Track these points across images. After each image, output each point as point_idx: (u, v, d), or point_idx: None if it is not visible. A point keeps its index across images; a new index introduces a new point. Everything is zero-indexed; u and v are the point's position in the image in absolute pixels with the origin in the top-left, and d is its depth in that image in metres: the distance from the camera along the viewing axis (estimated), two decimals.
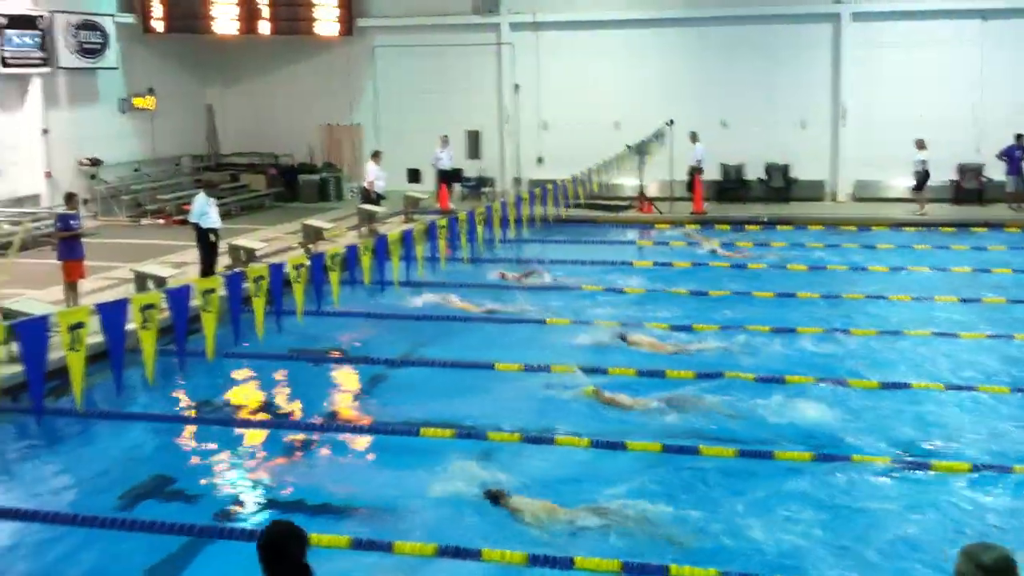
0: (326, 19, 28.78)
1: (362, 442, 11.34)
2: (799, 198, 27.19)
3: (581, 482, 9.81)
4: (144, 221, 25.57)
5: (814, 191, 27.38)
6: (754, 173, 27.75)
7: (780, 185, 27.42)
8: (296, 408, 12.52)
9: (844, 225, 24.25)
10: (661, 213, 26.04)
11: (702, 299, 17.39)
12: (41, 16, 23.94)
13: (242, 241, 19.12)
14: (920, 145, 24.53)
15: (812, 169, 27.36)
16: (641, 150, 25.23)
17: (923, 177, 24.75)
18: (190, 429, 11.67)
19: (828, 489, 9.67)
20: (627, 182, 26.55)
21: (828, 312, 16.33)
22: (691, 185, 26.09)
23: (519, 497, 9.10)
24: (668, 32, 27.89)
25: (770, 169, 27.58)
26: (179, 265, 18.48)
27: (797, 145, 27.16)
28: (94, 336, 7.50)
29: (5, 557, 8.56)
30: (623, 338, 14.49)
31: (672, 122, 25.57)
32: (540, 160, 29.17)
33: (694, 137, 25.90)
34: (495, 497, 9.07)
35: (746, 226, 24.54)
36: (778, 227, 24.38)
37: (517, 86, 29.02)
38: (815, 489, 9.68)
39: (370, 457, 11.08)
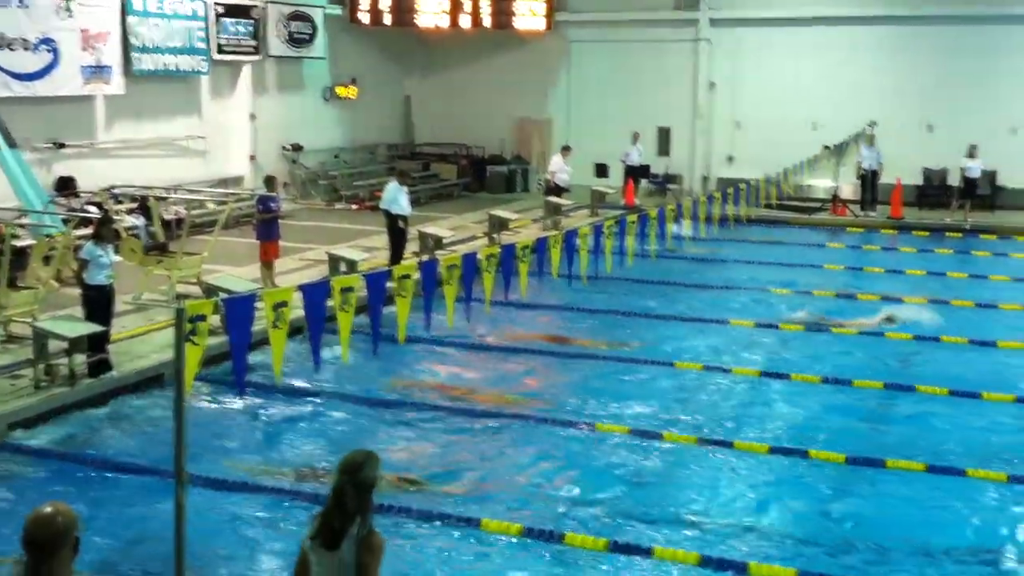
0: (527, 14, 29.02)
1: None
2: (1006, 207, 25.77)
3: None
4: (338, 205, 26.42)
5: (1022, 200, 25.91)
6: (958, 179, 26.49)
7: (986, 192, 26.07)
8: (475, 393, 12.69)
9: None
10: (855, 216, 25.30)
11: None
12: (255, 6, 25.03)
13: (430, 229, 19.58)
14: None
15: (1021, 177, 25.87)
16: (840, 151, 24.54)
17: None
18: (385, 410, 12.02)
19: None
20: (820, 183, 25.85)
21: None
22: (864, 187, 25.52)
23: None
24: (871, 31, 26.80)
25: None
26: (369, 249, 18.98)
27: (1007, 152, 25.63)
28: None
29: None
30: None
31: (875, 123, 24.81)
32: (730, 159, 28.63)
33: (870, 140, 24.99)
34: None
35: (946, 233, 23.62)
36: (981, 236, 23.32)
37: (712, 83, 28.57)
38: None
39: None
